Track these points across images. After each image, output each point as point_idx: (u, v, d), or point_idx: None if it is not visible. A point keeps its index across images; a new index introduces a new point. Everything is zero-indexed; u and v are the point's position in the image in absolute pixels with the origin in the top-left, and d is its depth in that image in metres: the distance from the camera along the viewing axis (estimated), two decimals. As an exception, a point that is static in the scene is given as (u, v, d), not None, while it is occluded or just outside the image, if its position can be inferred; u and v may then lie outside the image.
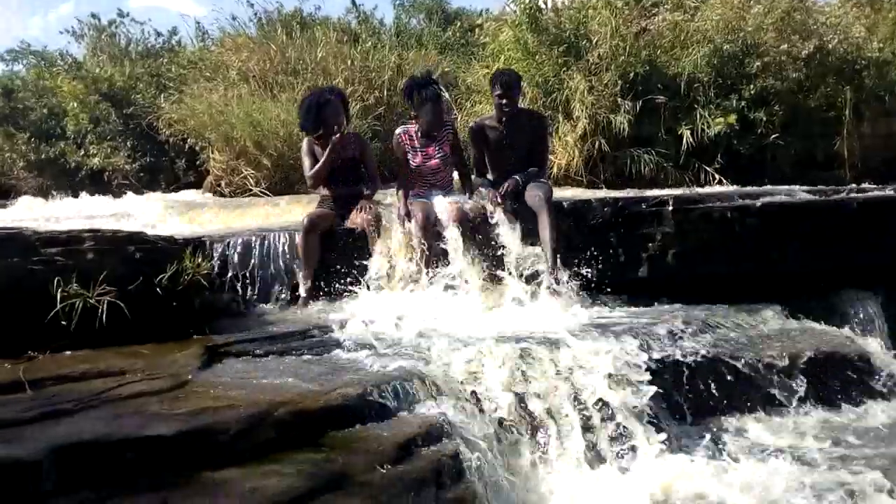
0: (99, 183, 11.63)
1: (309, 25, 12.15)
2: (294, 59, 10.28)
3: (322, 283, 4.23)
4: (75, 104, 11.72)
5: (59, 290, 2.98)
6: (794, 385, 3.21)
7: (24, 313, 2.92)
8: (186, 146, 10.60)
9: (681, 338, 3.32)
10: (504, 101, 4.36)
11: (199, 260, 3.57)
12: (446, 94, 9.59)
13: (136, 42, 13.93)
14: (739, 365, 3.17)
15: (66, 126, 12.03)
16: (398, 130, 4.60)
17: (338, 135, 4.31)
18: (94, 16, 14.12)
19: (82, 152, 11.84)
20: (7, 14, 35.66)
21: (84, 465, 1.80)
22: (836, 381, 3.25)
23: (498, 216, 4.14)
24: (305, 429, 2.16)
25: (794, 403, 3.16)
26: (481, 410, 2.68)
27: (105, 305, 3.02)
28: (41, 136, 12.32)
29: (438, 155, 4.48)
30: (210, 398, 2.28)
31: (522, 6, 8.81)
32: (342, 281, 4.20)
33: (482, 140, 4.62)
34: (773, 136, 8.39)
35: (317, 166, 4.40)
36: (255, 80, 9.99)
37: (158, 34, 14.13)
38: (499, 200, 4.16)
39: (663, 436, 2.80)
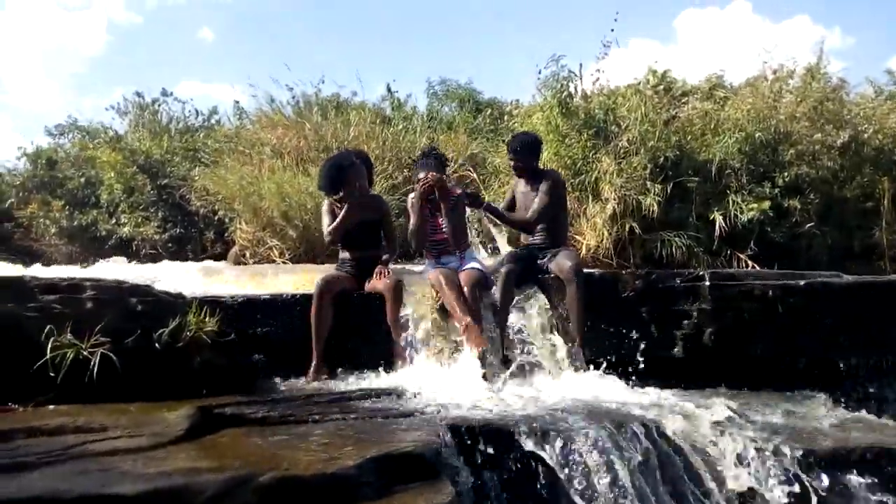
0: (127, 252, 11.74)
1: (344, 109, 12.49)
2: (328, 137, 10.48)
3: (335, 353, 4.01)
4: (112, 174, 12.02)
5: (52, 339, 2.82)
6: (848, 482, 2.83)
7: (11, 362, 2.75)
8: (216, 218, 10.71)
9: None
10: (511, 163, 4.68)
11: (205, 318, 3.39)
12: (475, 175, 9.63)
13: (177, 120, 14.42)
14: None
15: (100, 195, 12.30)
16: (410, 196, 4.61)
17: (357, 194, 4.21)
18: (138, 94, 14.74)
19: (113, 221, 12.03)
20: (63, 96, 37.80)
21: (30, 525, 1.56)
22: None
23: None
24: (292, 499, 1.89)
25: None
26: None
27: (98, 358, 2.84)
28: (76, 205, 12.60)
29: (445, 228, 4.39)
30: (191, 458, 2.04)
31: (553, 91, 8.92)
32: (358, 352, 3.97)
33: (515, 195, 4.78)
34: (809, 224, 8.15)
35: (334, 223, 4.28)
36: (289, 155, 10.16)
37: (199, 113, 14.65)
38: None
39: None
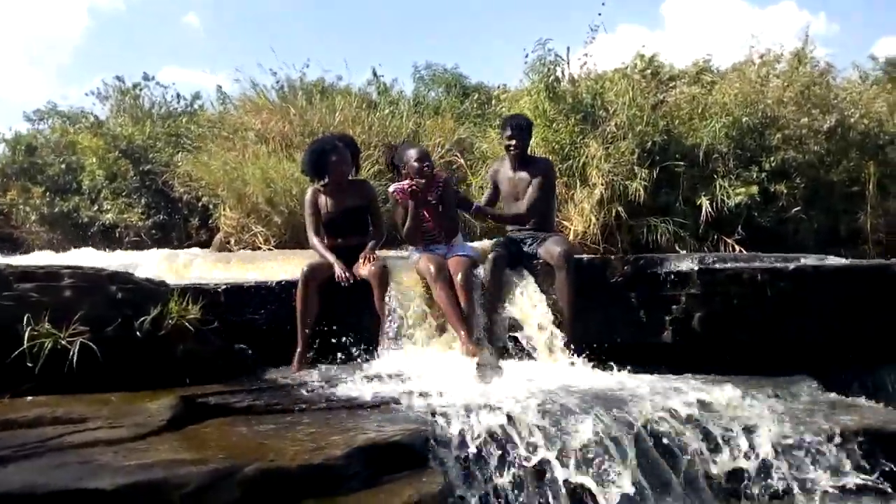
0: (110, 239, 11.56)
1: (329, 93, 12.32)
2: (314, 122, 10.35)
3: (321, 341, 3.95)
4: (94, 160, 11.82)
5: (29, 328, 2.75)
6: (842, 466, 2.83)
7: (-12, 352, 2.67)
8: (200, 205, 10.56)
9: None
10: (513, 142, 4.42)
11: (188, 305, 3.32)
12: (462, 160, 9.55)
13: (159, 105, 14.16)
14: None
15: (82, 181, 12.09)
16: (391, 188, 4.48)
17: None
18: (118, 78, 14.42)
19: (96, 207, 11.83)
20: (48, 86, 37.08)
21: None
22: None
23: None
24: (278, 491, 1.85)
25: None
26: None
27: (77, 347, 2.77)
28: (57, 191, 12.37)
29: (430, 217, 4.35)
30: (173, 450, 1.98)
31: (540, 76, 8.85)
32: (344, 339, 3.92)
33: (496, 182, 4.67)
34: (795, 209, 8.17)
35: (321, 252, 4.27)
36: (274, 140, 10.02)
37: (181, 97, 14.40)
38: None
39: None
